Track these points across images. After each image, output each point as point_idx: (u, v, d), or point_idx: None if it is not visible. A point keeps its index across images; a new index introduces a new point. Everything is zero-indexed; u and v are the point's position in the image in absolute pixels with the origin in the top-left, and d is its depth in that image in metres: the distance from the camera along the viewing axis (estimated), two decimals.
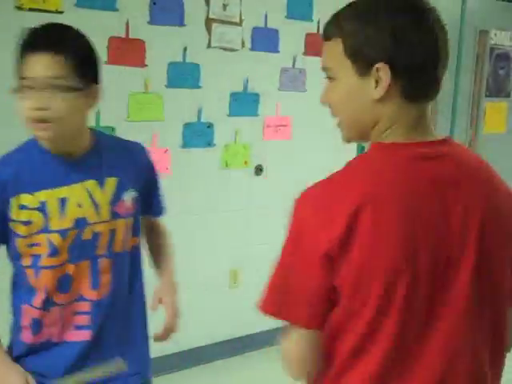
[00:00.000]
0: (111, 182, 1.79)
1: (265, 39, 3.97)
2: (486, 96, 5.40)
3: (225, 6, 3.75)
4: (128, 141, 1.96)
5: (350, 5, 1.28)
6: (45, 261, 1.74)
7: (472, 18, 5.17)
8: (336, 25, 1.27)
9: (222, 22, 3.76)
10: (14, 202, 1.72)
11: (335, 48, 1.26)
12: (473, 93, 5.41)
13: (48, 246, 1.74)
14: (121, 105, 3.43)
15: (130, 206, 1.83)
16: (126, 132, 3.42)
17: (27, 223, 1.72)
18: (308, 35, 4.17)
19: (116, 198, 1.80)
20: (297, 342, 1.27)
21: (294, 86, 4.17)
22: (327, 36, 1.29)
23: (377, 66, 1.21)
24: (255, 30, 3.92)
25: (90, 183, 1.76)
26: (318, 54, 4.26)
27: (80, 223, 1.75)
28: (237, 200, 4.01)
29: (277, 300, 1.26)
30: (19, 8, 3.02)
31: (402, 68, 1.21)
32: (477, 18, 5.24)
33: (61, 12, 3.15)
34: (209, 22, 3.71)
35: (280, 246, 1.25)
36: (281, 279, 1.25)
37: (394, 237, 1.18)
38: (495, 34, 5.44)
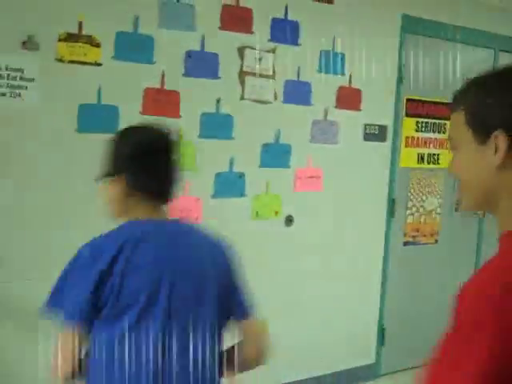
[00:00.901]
0: None
1: (297, 92, 4.03)
2: None
3: (258, 60, 3.83)
4: None
5: (473, 79, 1.35)
6: None
7: None
8: (460, 97, 1.35)
9: (255, 74, 3.84)
10: None
11: (458, 118, 1.34)
12: None
13: None
14: None
15: None
16: None
17: None
18: (340, 88, 4.23)
19: None
20: None
21: (326, 138, 4.20)
22: (452, 108, 1.37)
23: (495, 134, 1.27)
24: (288, 82, 3.98)
25: None
26: (349, 107, 4.31)
27: None
28: (267, 250, 4.02)
29: None
30: (60, 60, 3.12)
31: None
32: None
33: (99, 64, 3.25)
34: (242, 74, 3.79)
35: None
36: None
37: None
38: None
